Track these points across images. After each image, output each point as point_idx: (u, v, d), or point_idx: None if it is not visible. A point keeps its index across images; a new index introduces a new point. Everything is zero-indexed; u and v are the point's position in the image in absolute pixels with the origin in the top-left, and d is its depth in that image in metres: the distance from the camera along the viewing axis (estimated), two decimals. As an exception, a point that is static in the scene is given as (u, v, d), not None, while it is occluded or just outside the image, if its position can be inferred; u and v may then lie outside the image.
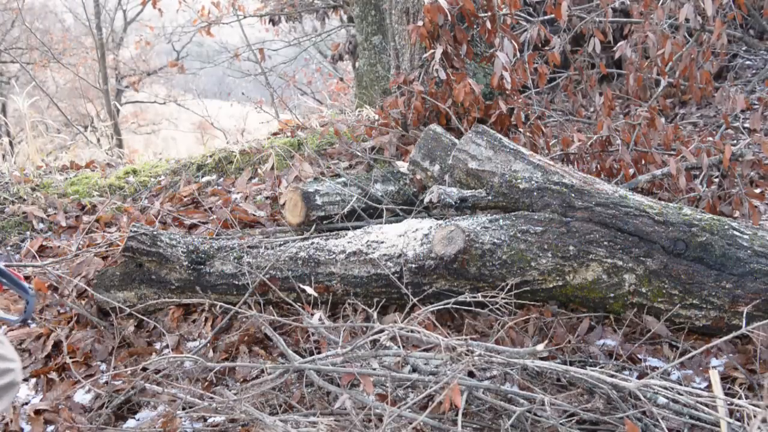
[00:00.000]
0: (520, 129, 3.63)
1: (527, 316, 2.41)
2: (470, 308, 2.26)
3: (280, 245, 2.79)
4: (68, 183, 4.27)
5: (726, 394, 1.81)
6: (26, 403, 2.49)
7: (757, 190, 3.24)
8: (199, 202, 3.78)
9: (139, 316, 2.75)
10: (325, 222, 3.07)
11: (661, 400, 1.83)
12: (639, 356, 2.25)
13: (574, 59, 4.75)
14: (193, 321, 2.82)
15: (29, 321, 1.66)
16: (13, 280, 1.73)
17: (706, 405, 1.71)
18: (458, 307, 2.12)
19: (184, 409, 2.17)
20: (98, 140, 7.14)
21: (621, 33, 4.83)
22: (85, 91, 14.46)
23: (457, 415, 1.76)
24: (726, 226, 2.29)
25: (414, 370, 2.08)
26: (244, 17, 8.67)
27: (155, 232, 2.83)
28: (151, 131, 18.76)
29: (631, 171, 3.30)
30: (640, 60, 4.15)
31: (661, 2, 3.96)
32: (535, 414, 1.83)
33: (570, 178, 2.63)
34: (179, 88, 18.42)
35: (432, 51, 3.45)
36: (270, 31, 9.80)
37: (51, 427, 2.36)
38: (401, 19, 3.96)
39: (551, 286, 2.43)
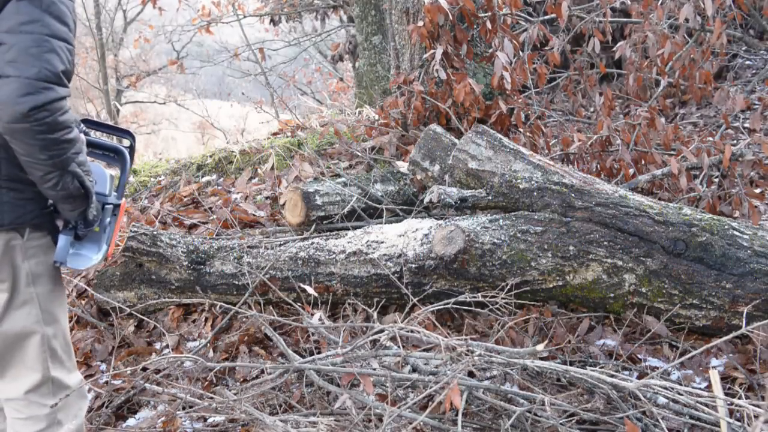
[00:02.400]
0: (520, 129, 3.63)
1: (527, 316, 2.41)
2: (470, 308, 2.26)
3: (280, 245, 2.79)
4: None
5: (726, 394, 1.81)
6: (26, 403, 2.48)
7: (757, 190, 3.24)
8: (199, 202, 3.78)
9: (139, 316, 2.75)
10: (325, 222, 3.07)
11: (661, 400, 1.83)
12: (639, 356, 2.25)
13: (574, 59, 4.75)
14: (193, 321, 2.82)
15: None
16: (111, 127, 1.82)
17: (706, 405, 1.71)
18: (458, 307, 2.12)
19: (184, 408, 2.17)
20: (98, 140, 7.13)
21: (621, 33, 4.83)
22: (85, 91, 14.45)
23: (457, 415, 1.76)
24: (726, 226, 2.29)
25: (414, 370, 2.08)
26: (244, 17, 8.67)
27: (155, 232, 2.83)
28: (151, 131, 18.75)
29: (631, 171, 3.30)
30: (640, 60, 4.15)
31: (661, 2, 3.96)
32: (535, 414, 1.83)
33: (570, 178, 2.63)
34: (179, 88, 18.41)
35: (432, 51, 3.45)
36: (270, 31, 9.80)
37: (51, 427, 2.35)
38: (401, 19, 3.95)
39: (551, 286, 2.43)
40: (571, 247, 2.38)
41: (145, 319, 2.79)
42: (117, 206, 1.75)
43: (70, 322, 2.86)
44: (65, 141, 1.45)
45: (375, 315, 2.02)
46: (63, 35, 1.44)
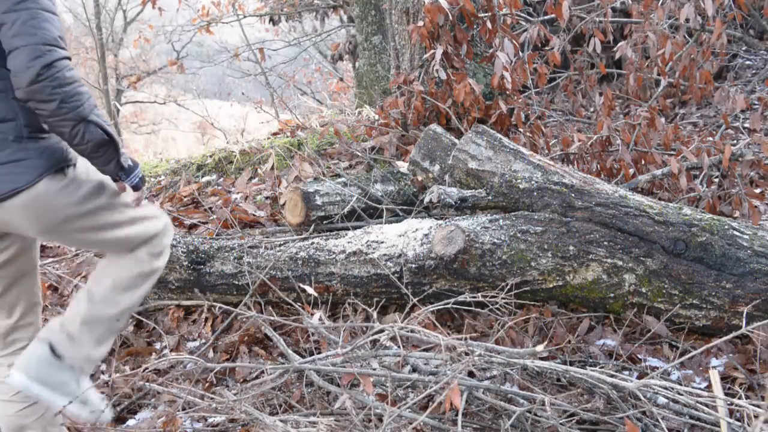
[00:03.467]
0: (520, 129, 3.63)
1: (527, 316, 2.41)
2: (470, 308, 2.26)
3: (280, 245, 2.79)
4: (68, 183, 4.26)
5: (726, 394, 1.81)
6: (26, 403, 2.48)
7: (757, 190, 3.24)
8: (199, 202, 3.78)
9: (138, 317, 2.75)
10: (325, 222, 3.07)
11: (661, 400, 1.83)
12: (639, 356, 2.25)
13: (574, 59, 4.75)
14: (193, 321, 2.82)
15: None
16: None
17: (706, 405, 1.71)
18: (458, 307, 2.12)
19: (184, 409, 2.17)
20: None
21: (621, 33, 4.83)
22: (85, 91, 14.42)
23: (457, 415, 1.76)
24: (726, 226, 2.29)
25: (414, 370, 2.08)
26: (244, 17, 8.67)
27: (155, 232, 2.83)
28: (151, 131, 18.75)
29: (631, 171, 3.30)
30: (640, 60, 4.15)
31: (661, 2, 3.96)
32: (535, 414, 1.83)
33: (570, 178, 2.63)
34: (179, 88, 18.41)
35: (432, 51, 3.45)
36: (270, 31, 9.80)
37: (51, 427, 2.35)
38: (401, 19, 3.96)
39: (551, 286, 2.43)
40: (571, 247, 2.38)
41: (144, 320, 2.79)
42: None
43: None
44: (78, 93, 1.66)
45: (375, 315, 2.02)
46: (50, 8, 1.67)
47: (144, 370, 2.47)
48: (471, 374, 2.08)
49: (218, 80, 16.33)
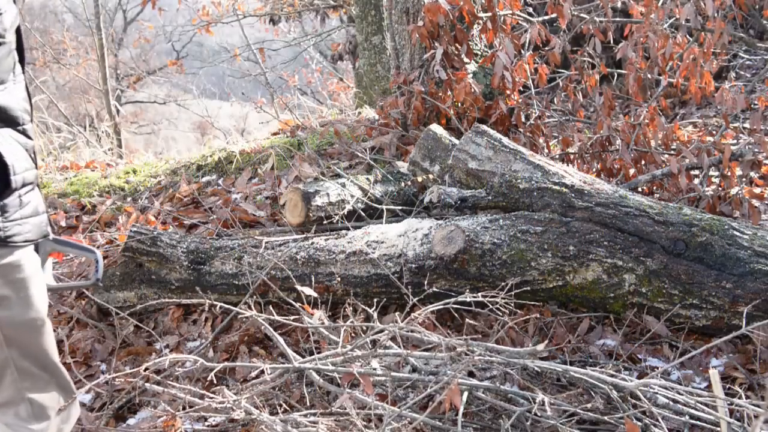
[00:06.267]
0: (520, 129, 3.63)
1: (527, 316, 2.41)
2: (470, 308, 2.25)
3: (280, 245, 2.79)
4: (68, 183, 4.27)
5: (726, 394, 1.81)
6: (26, 403, 2.48)
7: (757, 190, 3.24)
8: (199, 202, 3.78)
9: (134, 321, 2.75)
10: (325, 222, 3.07)
11: (661, 400, 1.83)
12: (639, 356, 2.25)
13: (574, 59, 4.74)
14: (194, 321, 2.82)
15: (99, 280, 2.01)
16: (76, 246, 1.95)
17: (706, 405, 1.71)
18: (458, 307, 2.12)
19: (184, 408, 2.17)
20: (99, 140, 7.15)
21: (621, 33, 4.83)
22: (85, 91, 14.47)
23: (457, 415, 1.76)
24: (726, 226, 2.29)
25: (414, 370, 2.08)
26: (244, 17, 8.67)
27: (155, 233, 2.83)
28: (151, 131, 18.75)
29: (631, 171, 3.30)
30: (640, 60, 4.14)
31: (661, 2, 3.96)
32: (535, 414, 1.83)
33: (570, 178, 2.63)
34: (179, 88, 18.41)
35: (432, 51, 3.46)
36: (270, 31, 9.80)
37: (51, 427, 2.35)
38: (401, 19, 3.96)
39: (551, 286, 2.43)
40: (571, 247, 2.38)
41: (141, 325, 2.79)
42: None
43: (69, 322, 2.87)
44: None
45: (375, 315, 2.02)
46: None
47: (144, 370, 2.47)
48: (471, 374, 2.08)
49: (218, 80, 16.34)
